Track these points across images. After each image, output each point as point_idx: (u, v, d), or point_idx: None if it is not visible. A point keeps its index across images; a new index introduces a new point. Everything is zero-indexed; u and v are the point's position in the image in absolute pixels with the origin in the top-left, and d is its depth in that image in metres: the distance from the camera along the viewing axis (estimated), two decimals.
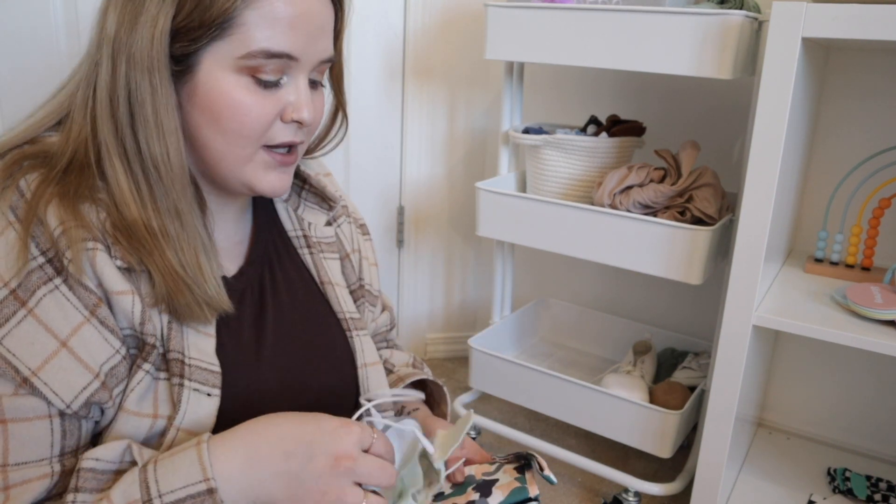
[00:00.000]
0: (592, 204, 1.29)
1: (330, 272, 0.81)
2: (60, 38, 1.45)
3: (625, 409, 1.31)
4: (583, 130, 1.41)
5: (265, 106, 0.64)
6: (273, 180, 0.68)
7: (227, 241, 0.74)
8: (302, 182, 0.82)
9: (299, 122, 0.67)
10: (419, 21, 1.72)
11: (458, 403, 1.58)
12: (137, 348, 0.63)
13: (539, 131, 1.40)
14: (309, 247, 0.80)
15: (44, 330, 0.57)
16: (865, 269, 1.23)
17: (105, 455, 0.58)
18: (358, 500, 0.58)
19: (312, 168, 0.85)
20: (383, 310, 0.94)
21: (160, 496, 0.55)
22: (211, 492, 0.56)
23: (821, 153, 1.36)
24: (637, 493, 1.34)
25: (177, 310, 0.63)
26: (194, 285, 0.63)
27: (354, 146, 1.78)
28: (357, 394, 0.80)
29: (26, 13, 1.42)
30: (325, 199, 0.82)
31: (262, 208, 0.79)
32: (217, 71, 0.62)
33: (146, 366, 0.62)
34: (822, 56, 1.24)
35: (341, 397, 0.79)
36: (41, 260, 0.58)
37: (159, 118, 0.61)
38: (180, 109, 0.64)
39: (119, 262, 0.61)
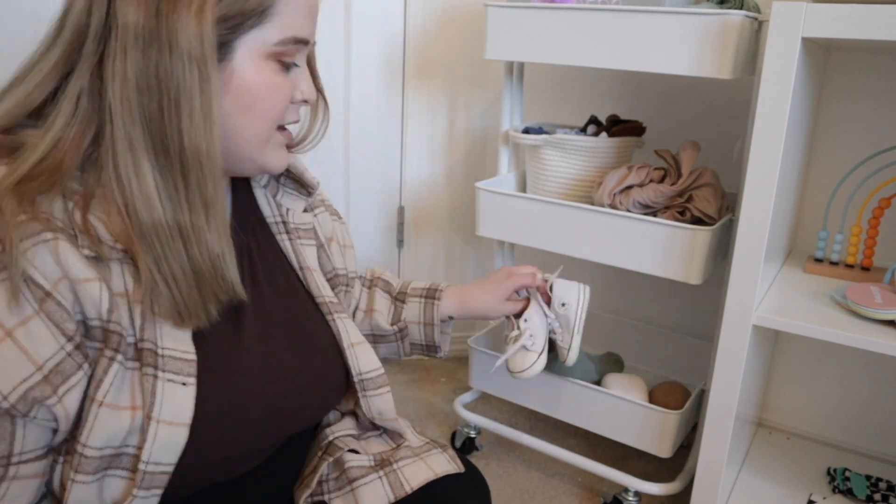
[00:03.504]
0: (592, 204, 1.29)
1: (307, 258, 0.82)
2: None
3: (625, 409, 1.31)
4: (583, 130, 1.41)
5: (286, 88, 0.68)
6: (282, 157, 0.73)
7: None
8: None
9: (305, 102, 0.72)
10: (419, 21, 1.71)
11: (458, 403, 1.58)
12: (102, 340, 0.61)
13: (539, 131, 1.40)
14: (287, 233, 0.81)
15: None
16: (865, 269, 1.23)
17: None
18: None
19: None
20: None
21: None
22: None
23: (821, 153, 1.36)
24: (637, 493, 1.34)
25: (168, 311, 0.63)
26: (214, 276, 0.64)
27: (354, 146, 1.78)
28: (347, 375, 0.80)
29: (26, 13, 1.42)
30: (303, 186, 0.83)
31: (241, 194, 0.79)
32: (252, 58, 0.65)
33: (119, 357, 0.61)
34: (822, 56, 1.24)
35: (328, 379, 0.79)
36: None
37: (209, 109, 0.61)
38: None
39: (87, 252, 0.59)
